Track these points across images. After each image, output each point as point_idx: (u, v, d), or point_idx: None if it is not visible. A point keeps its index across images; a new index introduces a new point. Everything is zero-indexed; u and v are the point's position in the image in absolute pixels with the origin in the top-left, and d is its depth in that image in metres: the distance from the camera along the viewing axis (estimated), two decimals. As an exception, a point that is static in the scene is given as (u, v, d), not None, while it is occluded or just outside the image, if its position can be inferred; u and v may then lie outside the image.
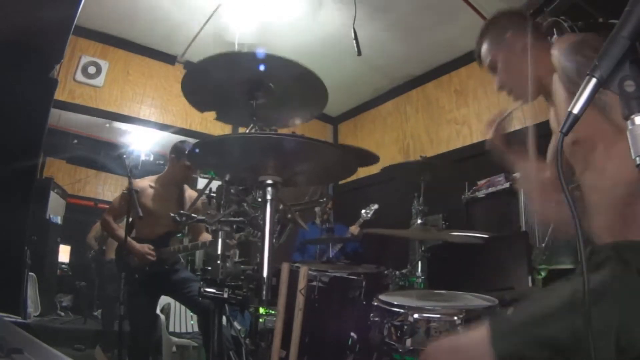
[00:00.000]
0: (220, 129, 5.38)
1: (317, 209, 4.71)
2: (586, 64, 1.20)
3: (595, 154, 1.26)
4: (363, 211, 4.55)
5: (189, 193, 3.56)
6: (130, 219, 3.21)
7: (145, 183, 3.44)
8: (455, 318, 1.81)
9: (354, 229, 4.57)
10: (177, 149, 3.46)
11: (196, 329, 4.12)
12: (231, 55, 1.72)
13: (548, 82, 1.45)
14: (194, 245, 3.48)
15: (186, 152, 3.29)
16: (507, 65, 1.59)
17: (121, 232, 3.29)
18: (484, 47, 1.65)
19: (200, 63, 1.70)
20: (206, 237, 3.55)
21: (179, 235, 3.81)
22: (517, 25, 1.59)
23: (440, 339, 1.48)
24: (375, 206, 4.52)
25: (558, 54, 1.32)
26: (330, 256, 4.20)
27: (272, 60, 1.69)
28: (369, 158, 2.25)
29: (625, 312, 1.05)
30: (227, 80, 1.79)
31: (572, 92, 1.26)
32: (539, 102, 1.58)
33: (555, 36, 1.83)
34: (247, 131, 1.86)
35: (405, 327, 1.85)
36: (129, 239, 3.19)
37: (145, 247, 3.22)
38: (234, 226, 1.92)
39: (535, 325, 1.13)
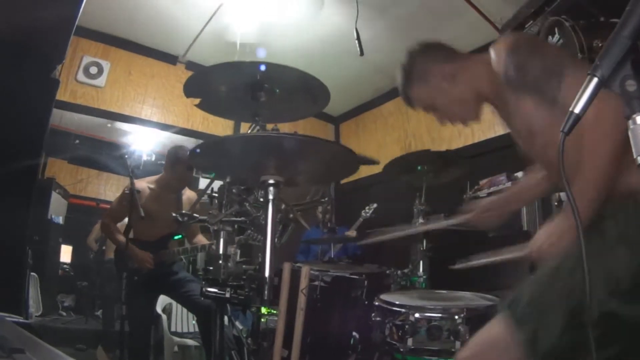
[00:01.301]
0: (221, 128, 5.39)
1: (319, 212, 4.73)
2: (526, 63, 1.26)
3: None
4: (363, 211, 4.55)
5: (188, 194, 3.54)
6: (130, 220, 3.20)
7: (144, 184, 3.40)
8: (457, 317, 1.80)
9: (351, 233, 4.58)
10: (171, 156, 3.38)
11: (198, 329, 4.13)
12: (233, 63, 1.73)
13: (494, 89, 1.44)
14: (194, 247, 3.46)
15: (182, 159, 3.23)
16: (447, 97, 1.56)
17: (121, 236, 3.26)
18: (415, 92, 1.62)
19: (202, 69, 1.71)
20: (200, 239, 3.54)
21: (178, 237, 3.80)
22: (434, 55, 1.59)
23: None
24: (374, 205, 4.52)
25: (496, 57, 1.34)
26: (332, 256, 4.20)
27: (272, 66, 1.71)
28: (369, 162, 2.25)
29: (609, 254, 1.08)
30: (229, 84, 1.80)
31: (520, 90, 1.30)
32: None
33: (556, 36, 1.83)
34: (249, 130, 1.87)
35: (407, 326, 1.85)
36: (130, 244, 3.19)
37: (146, 256, 3.21)
38: (236, 226, 1.92)
39: (545, 292, 1.14)
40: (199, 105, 1.98)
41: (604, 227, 1.13)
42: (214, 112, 2.21)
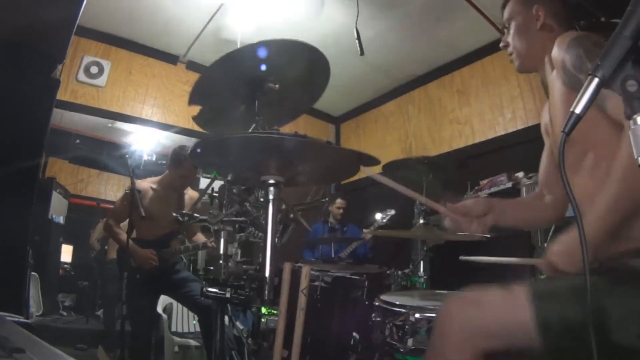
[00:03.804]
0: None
1: (332, 211, 4.75)
2: (586, 56, 1.23)
3: (586, 161, 1.29)
4: (379, 216, 4.46)
5: (190, 194, 3.56)
6: (131, 219, 3.20)
7: (147, 184, 3.43)
8: (457, 318, 1.80)
9: (366, 235, 4.52)
10: (174, 156, 3.42)
11: (198, 328, 4.13)
12: (233, 54, 1.72)
13: (547, 69, 1.46)
14: (195, 245, 3.47)
15: (185, 159, 3.26)
16: (519, 31, 1.57)
17: (124, 236, 3.27)
18: (510, 2, 1.62)
19: (204, 70, 1.70)
20: (200, 237, 3.55)
21: (180, 236, 3.81)
22: (550, 1, 1.55)
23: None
24: (392, 212, 4.41)
25: (558, 49, 1.34)
26: (332, 256, 4.20)
27: (272, 44, 1.71)
28: (370, 160, 2.25)
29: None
30: (230, 82, 1.79)
31: (571, 86, 1.28)
32: (542, 102, 1.57)
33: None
34: (250, 130, 1.86)
35: (407, 327, 1.85)
36: (132, 242, 3.19)
37: (148, 253, 3.21)
38: (237, 226, 1.92)
39: (574, 294, 1.11)
40: (196, 120, 1.99)
41: None
42: (211, 127, 2.21)
